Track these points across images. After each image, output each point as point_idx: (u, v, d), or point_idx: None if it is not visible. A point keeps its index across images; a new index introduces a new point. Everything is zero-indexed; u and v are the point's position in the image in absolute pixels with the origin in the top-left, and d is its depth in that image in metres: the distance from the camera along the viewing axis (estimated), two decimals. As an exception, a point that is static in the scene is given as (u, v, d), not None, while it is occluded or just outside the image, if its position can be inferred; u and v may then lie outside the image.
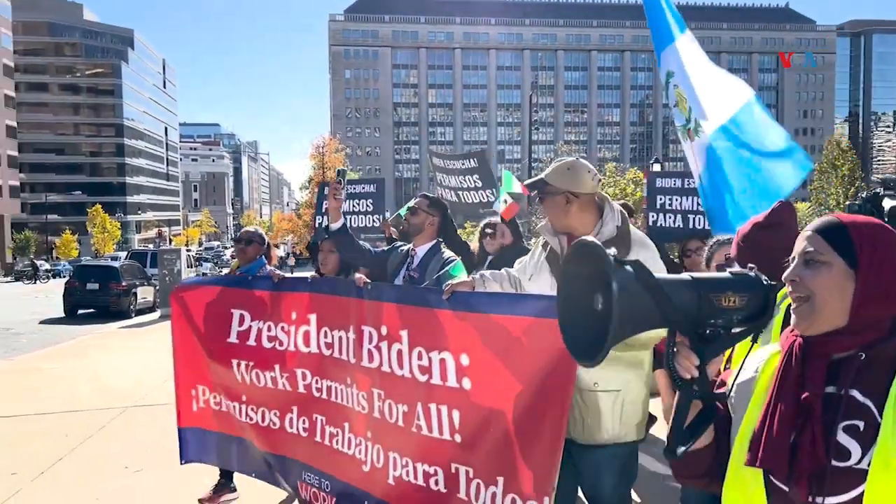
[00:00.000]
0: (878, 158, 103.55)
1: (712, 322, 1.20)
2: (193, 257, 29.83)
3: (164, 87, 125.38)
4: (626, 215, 3.06)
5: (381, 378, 3.21)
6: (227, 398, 4.03)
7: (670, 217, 5.55)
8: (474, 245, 5.91)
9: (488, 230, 5.67)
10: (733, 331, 1.23)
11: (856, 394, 1.24)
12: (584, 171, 2.99)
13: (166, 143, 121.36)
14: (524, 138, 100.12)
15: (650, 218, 5.70)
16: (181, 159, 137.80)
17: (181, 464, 4.23)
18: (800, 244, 1.35)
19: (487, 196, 6.08)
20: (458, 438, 2.89)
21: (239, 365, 3.90)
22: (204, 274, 26.90)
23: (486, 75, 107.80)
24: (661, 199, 5.62)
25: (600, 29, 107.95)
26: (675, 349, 1.23)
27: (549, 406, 2.62)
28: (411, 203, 4.11)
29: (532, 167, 42.47)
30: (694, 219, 5.43)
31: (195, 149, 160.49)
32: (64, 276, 36.66)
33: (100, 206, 78.01)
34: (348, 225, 6.59)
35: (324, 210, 6.25)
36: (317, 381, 3.64)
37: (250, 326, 3.93)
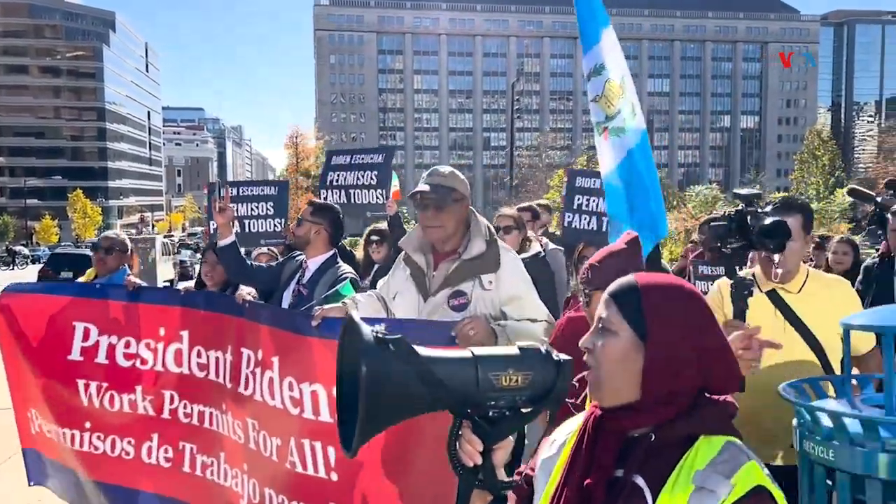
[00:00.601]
0: (860, 147, 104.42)
1: (493, 403, 1.08)
2: (173, 244, 29.49)
3: (147, 70, 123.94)
4: (493, 230, 2.92)
5: (255, 407, 2.95)
6: (63, 425, 3.52)
7: (585, 219, 5.33)
8: (360, 253, 5.63)
9: (374, 237, 5.36)
10: (522, 410, 1.11)
11: (639, 479, 1.16)
12: (461, 177, 2.87)
13: (149, 128, 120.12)
14: (509, 126, 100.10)
15: (566, 218, 5.50)
16: (164, 144, 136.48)
17: (29, 485, 3.89)
18: (598, 307, 1.28)
19: (378, 197, 5.74)
20: (334, 477, 2.71)
21: (87, 386, 3.42)
22: (182, 262, 26.65)
23: (472, 62, 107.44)
24: (578, 198, 5.40)
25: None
26: (458, 432, 1.12)
27: (437, 445, 2.46)
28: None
29: (514, 155, 42.58)
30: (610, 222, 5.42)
31: (179, 133, 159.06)
32: (44, 262, 36.35)
33: (81, 190, 77.17)
34: (247, 229, 5.91)
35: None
36: (186, 405, 3.28)
37: (98, 342, 3.45)
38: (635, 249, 2.39)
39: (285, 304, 3.53)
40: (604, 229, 5.04)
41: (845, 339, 2.41)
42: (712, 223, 2.45)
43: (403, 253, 2.95)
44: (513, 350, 1.11)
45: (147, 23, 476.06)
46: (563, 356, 1.11)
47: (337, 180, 6.02)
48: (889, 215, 3.78)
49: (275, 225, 6.34)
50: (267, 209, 6.34)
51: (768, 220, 2.26)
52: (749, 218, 2.30)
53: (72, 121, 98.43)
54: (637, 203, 3.31)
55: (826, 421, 2.10)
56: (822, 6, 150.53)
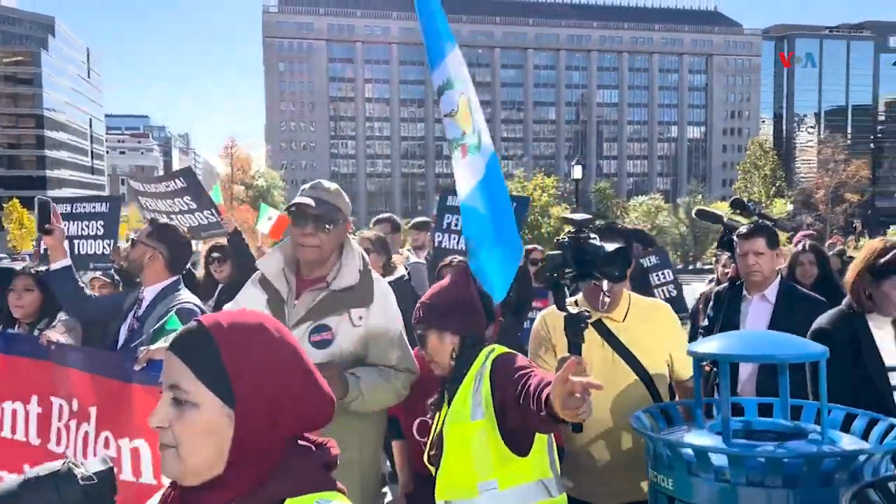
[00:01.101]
0: (801, 158, 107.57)
1: None
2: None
3: (89, 76, 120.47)
4: (367, 259, 2.66)
5: None
6: None
7: (454, 238, 5.20)
8: (200, 273, 5.18)
9: (215, 254, 5.01)
10: None
11: None
12: (346, 197, 2.63)
13: (91, 135, 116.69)
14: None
15: (436, 238, 5.37)
16: (108, 152, 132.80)
17: None
18: (165, 368, 1.06)
19: (207, 217, 5.37)
20: None
21: None
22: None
23: (423, 71, 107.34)
24: (448, 217, 5.25)
25: (536, 28, 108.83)
26: None
27: None
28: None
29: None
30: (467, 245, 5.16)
31: (123, 141, 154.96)
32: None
33: (17, 200, 74.36)
34: (76, 251, 5.21)
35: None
36: None
37: None
38: (466, 282, 2.32)
39: (121, 341, 3.06)
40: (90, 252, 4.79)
41: (695, 365, 2.36)
42: (549, 253, 2.29)
43: (258, 275, 2.61)
44: (13, 485, 0.97)
45: (90, 28, 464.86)
46: (95, 470, 0.97)
47: (148, 206, 5.61)
48: (735, 237, 3.55)
49: (103, 247, 5.64)
50: (97, 228, 5.64)
51: (610, 247, 2.15)
52: (586, 241, 2.19)
53: (8, 128, 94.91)
54: (501, 224, 3.09)
55: (665, 450, 2.11)
56: (764, 21, 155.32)
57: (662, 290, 5.95)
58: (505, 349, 2.24)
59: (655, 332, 2.66)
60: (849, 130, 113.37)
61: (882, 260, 2.56)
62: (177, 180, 5.58)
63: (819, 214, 53.53)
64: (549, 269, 2.22)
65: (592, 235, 2.18)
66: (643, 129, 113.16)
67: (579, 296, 2.70)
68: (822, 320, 2.68)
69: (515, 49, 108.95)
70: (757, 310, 3.48)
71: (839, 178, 57.65)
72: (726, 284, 3.84)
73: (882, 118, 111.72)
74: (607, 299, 2.62)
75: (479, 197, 3.10)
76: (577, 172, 28.76)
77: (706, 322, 3.72)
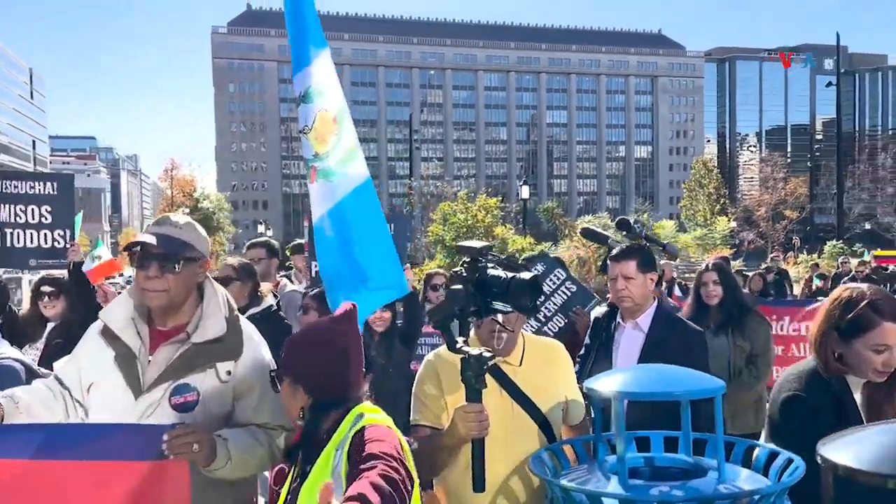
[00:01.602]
0: (744, 176, 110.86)
1: None
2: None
3: (32, 97, 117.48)
4: (233, 304, 2.34)
5: None
6: None
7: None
8: (27, 308, 4.34)
9: (46, 288, 4.16)
10: None
11: None
12: (201, 231, 2.31)
13: (34, 158, 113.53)
14: (414, 155, 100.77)
15: (312, 267, 5.14)
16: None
17: None
18: None
19: (55, 239, 4.64)
20: None
21: None
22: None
23: (376, 92, 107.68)
24: None
25: (486, 50, 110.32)
26: None
27: None
28: None
29: (416, 184, 42.73)
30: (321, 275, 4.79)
31: (68, 163, 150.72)
32: None
33: (-46, 225, 71.79)
34: (9, 243, 4.56)
35: None
36: None
37: None
38: (344, 329, 1.94)
39: None
40: (36, 244, 4.43)
41: (594, 399, 2.22)
42: (450, 287, 2.06)
43: (100, 326, 2.23)
44: None
45: (34, 49, 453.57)
46: None
47: None
48: (609, 261, 3.25)
49: (53, 238, 4.72)
50: (41, 215, 4.70)
51: (525, 275, 1.91)
52: (486, 276, 1.97)
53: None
54: (360, 256, 2.80)
55: (560, 493, 2.01)
56: (706, 43, 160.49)
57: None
58: (374, 418, 1.85)
59: (552, 375, 2.46)
60: (788, 149, 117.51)
61: (849, 316, 2.14)
62: (49, 184, 4.77)
63: (761, 231, 55.25)
64: (452, 305, 1.98)
65: (491, 265, 1.96)
66: (592, 149, 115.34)
67: (470, 335, 2.32)
68: (794, 386, 2.25)
69: (466, 70, 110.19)
70: (629, 339, 3.21)
71: (779, 196, 59.71)
72: (607, 309, 3.52)
73: (819, 137, 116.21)
74: (504, 335, 2.32)
75: (330, 226, 2.83)
76: (525, 192, 29.24)
77: (583, 350, 3.42)
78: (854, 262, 17.30)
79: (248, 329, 2.30)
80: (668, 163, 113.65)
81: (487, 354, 1.96)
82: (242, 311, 3.48)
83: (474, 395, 2.00)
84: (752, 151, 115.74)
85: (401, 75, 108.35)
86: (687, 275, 24.94)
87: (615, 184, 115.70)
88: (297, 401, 1.89)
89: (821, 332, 2.23)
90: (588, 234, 3.96)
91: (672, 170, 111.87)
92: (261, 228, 37.62)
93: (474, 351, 1.95)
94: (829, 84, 34.76)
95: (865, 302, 2.13)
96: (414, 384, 2.47)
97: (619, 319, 3.29)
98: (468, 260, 2.00)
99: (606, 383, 2.11)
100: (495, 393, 2.28)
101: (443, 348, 2.37)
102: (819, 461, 1.17)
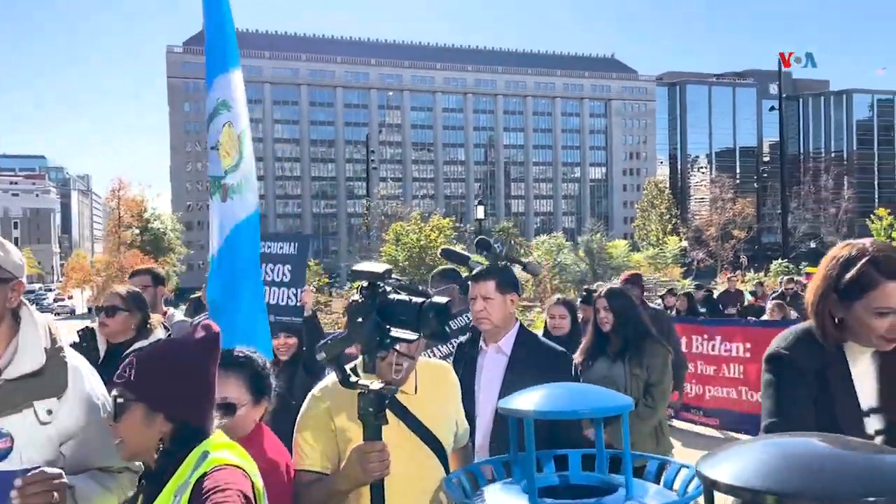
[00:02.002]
0: (695, 197, 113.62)
1: None
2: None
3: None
4: (56, 333, 2.02)
5: None
6: None
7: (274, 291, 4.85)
8: None
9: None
10: None
11: None
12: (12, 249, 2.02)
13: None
14: (372, 175, 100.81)
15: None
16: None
17: None
18: None
19: (291, 297, 4.58)
20: None
21: None
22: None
23: (334, 112, 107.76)
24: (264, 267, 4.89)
25: (444, 72, 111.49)
26: None
27: None
28: None
29: (373, 205, 42.83)
30: (278, 292, 4.47)
31: (16, 182, 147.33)
32: None
33: None
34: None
35: None
36: None
37: None
38: (210, 349, 1.72)
39: None
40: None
41: (511, 418, 2.12)
42: (353, 321, 1.81)
43: None
44: None
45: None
46: None
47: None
48: (470, 282, 3.11)
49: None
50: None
51: (439, 300, 1.73)
52: (388, 302, 1.76)
53: None
54: (240, 292, 2.61)
55: None
56: (658, 68, 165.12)
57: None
58: (221, 458, 1.63)
59: (444, 400, 2.35)
60: (737, 171, 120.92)
61: (848, 276, 1.86)
62: (291, 244, 4.68)
63: (710, 250, 56.72)
64: (354, 340, 1.78)
65: (391, 290, 1.80)
66: (549, 170, 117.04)
67: (356, 362, 2.09)
68: (781, 343, 2.00)
69: (424, 92, 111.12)
70: (492, 362, 3.09)
71: (728, 216, 61.48)
72: (469, 335, 3.39)
73: (766, 159, 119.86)
74: (404, 364, 2.12)
75: (232, 248, 2.69)
76: (480, 212, 29.63)
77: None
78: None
79: (76, 361, 2.00)
80: (622, 183, 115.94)
81: (388, 388, 1.79)
82: (129, 343, 3.33)
83: (374, 432, 1.82)
84: (702, 173, 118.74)
85: (359, 96, 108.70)
86: (700, 292, 25.53)
87: (571, 204, 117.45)
88: (153, 430, 1.66)
89: (818, 294, 1.94)
90: (448, 254, 3.64)
91: (626, 190, 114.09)
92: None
93: (374, 385, 1.78)
94: (773, 108, 36.07)
95: (866, 259, 1.84)
96: (296, 424, 2.21)
97: (481, 343, 3.17)
98: (366, 286, 1.79)
99: (517, 402, 2.08)
100: (393, 426, 2.06)
101: (329, 380, 2.20)
102: (698, 477, 1.12)
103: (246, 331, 2.69)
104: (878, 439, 1.89)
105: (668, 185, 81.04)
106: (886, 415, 1.90)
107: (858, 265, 1.84)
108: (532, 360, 3.00)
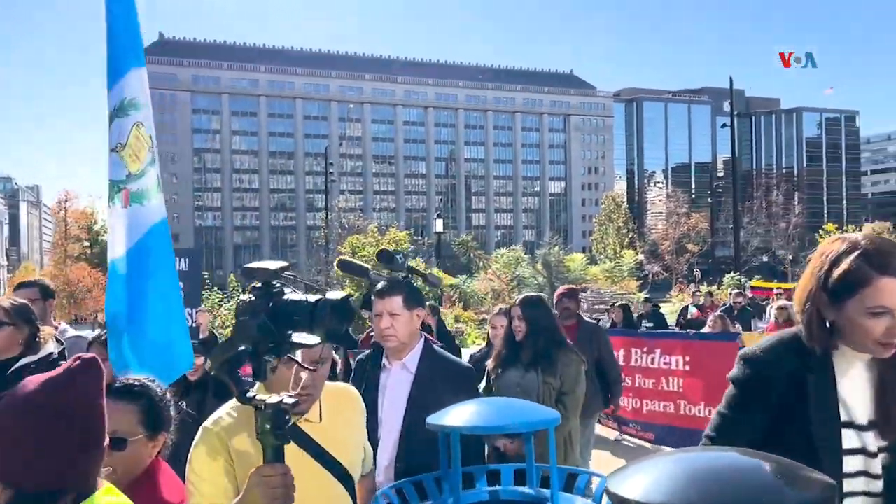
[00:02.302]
0: (652, 211, 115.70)
1: None
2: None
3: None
4: None
5: None
6: None
7: None
8: None
9: None
10: None
11: None
12: None
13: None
14: (333, 188, 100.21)
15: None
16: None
17: None
18: None
19: None
20: None
21: None
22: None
23: (293, 124, 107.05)
24: None
25: (405, 85, 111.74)
26: None
27: None
28: None
29: (332, 217, 42.54)
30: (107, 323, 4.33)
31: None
32: None
33: None
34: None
35: None
36: None
37: None
38: (93, 390, 1.45)
39: None
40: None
41: (441, 435, 2.06)
42: (239, 321, 1.59)
43: None
44: None
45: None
46: None
47: None
48: (373, 296, 2.98)
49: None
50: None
51: (333, 295, 1.53)
52: (280, 302, 1.55)
53: None
54: (150, 307, 2.39)
55: None
56: (615, 84, 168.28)
57: None
58: None
59: (350, 426, 2.21)
60: (692, 186, 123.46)
61: (837, 272, 1.65)
62: (183, 261, 4.34)
63: (666, 264, 57.66)
64: (239, 343, 1.55)
65: (289, 289, 1.61)
66: (509, 184, 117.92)
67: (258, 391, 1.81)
68: (761, 343, 1.81)
69: (385, 105, 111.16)
70: (397, 381, 2.94)
71: (682, 230, 62.65)
72: (369, 350, 3.22)
73: (720, 175, 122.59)
74: (303, 375, 1.90)
75: (135, 261, 2.48)
76: (439, 225, 29.67)
77: None
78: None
79: None
80: (581, 198, 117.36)
81: (289, 400, 1.57)
82: (17, 359, 3.12)
83: (275, 454, 1.59)
84: (659, 188, 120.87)
85: (319, 107, 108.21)
86: (596, 306, 25.75)
87: (531, 217, 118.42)
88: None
89: (806, 293, 1.70)
90: (345, 266, 3.44)
91: (584, 205, 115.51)
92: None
93: (271, 399, 1.56)
94: (724, 125, 36.89)
95: (858, 252, 1.63)
96: (188, 460, 1.98)
97: (384, 361, 3.00)
98: (259, 285, 1.59)
99: (442, 418, 2.03)
100: (297, 456, 1.90)
101: (226, 409, 2.03)
102: (606, 494, 1.08)
103: (162, 345, 2.52)
104: (880, 458, 1.67)
105: (625, 200, 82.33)
106: (882, 430, 1.67)
107: (849, 260, 1.62)
108: (438, 377, 2.89)
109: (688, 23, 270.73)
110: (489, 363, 4.35)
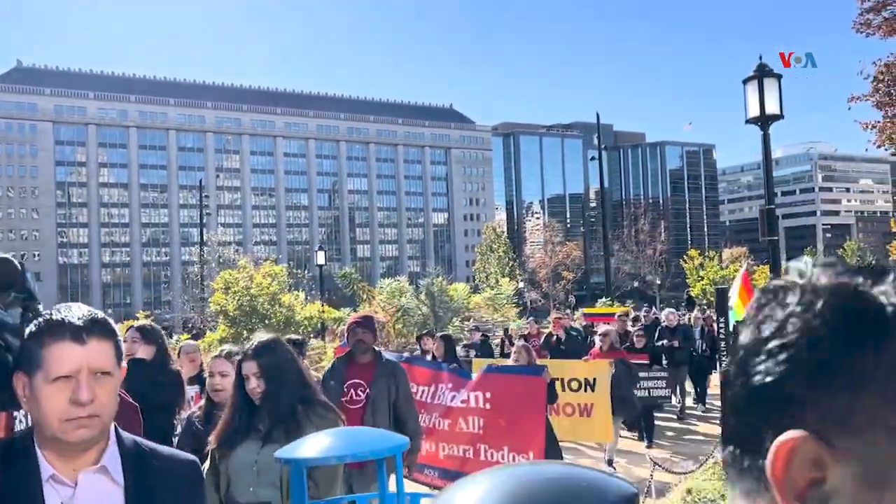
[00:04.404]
0: (530, 240, 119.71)
1: None
2: None
3: None
4: None
5: None
6: None
7: None
8: None
9: None
10: None
11: None
12: None
13: None
14: (209, 221, 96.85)
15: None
16: None
17: None
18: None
19: None
20: None
21: None
22: None
23: (166, 156, 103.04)
24: None
25: (284, 116, 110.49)
26: None
27: None
28: None
29: (202, 255, 41.11)
30: None
31: None
32: None
33: None
34: None
35: None
36: None
37: None
38: None
39: None
40: None
41: (294, 466, 2.09)
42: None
43: None
44: None
45: None
46: None
47: None
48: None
49: None
50: None
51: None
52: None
53: None
54: None
55: None
56: (493, 118, 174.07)
57: None
58: None
59: None
60: (567, 216, 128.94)
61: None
62: None
63: (544, 291, 59.75)
64: None
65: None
66: (393, 215, 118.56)
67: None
68: None
69: (264, 136, 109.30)
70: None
71: (558, 258, 65.19)
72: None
73: (592, 205, 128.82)
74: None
75: None
76: (321, 258, 29.38)
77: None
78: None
79: None
80: (464, 228, 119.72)
81: None
82: None
83: None
84: (536, 218, 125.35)
85: (194, 139, 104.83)
86: (476, 334, 26.32)
87: (416, 248, 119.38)
88: None
89: None
90: None
91: (467, 235, 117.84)
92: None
93: None
94: (593, 158, 38.96)
95: None
96: None
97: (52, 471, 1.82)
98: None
99: (289, 451, 1.97)
100: None
101: None
102: None
103: None
104: None
105: (505, 230, 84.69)
106: None
107: None
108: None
109: (559, 59, 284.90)
110: (210, 438, 3.20)
